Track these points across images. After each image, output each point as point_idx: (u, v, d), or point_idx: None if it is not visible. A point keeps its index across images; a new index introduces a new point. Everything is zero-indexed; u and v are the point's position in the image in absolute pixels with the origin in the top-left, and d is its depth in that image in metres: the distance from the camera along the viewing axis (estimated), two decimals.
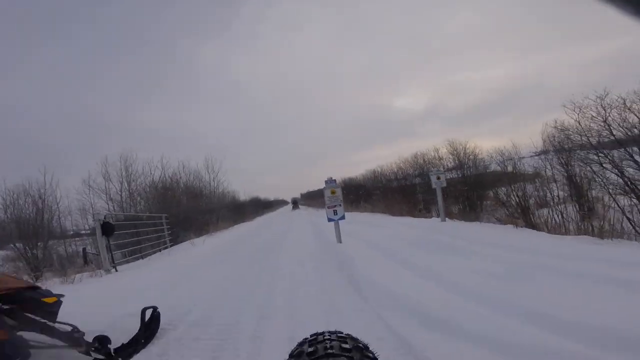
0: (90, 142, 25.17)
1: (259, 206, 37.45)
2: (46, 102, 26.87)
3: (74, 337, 2.40)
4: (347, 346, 0.53)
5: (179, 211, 13.01)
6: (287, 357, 0.56)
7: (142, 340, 2.72)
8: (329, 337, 0.57)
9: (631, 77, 7.05)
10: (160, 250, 9.84)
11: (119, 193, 13.02)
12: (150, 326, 2.85)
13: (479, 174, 10.42)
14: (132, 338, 2.70)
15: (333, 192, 6.78)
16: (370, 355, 0.54)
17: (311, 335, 0.59)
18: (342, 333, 0.59)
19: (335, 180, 6.98)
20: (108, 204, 12.68)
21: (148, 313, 2.84)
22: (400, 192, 14.03)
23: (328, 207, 6.77)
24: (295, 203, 39.06)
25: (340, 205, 6.77)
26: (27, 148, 19.84)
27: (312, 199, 41.48)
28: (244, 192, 29.45)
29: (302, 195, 55.12)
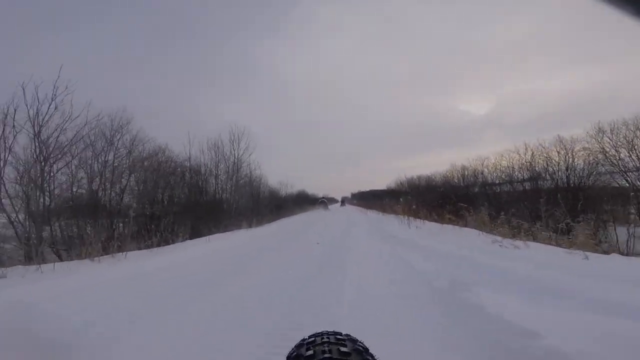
0: None
1: (306, 202, 37.54)
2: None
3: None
4: (345, 349, 0.52)
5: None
6: None
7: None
8: (327, 339, 0.55)
9: None
10: None
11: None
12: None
13: None
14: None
15: None
16: (370, 358, 0.53)
17: (309, 337, 0.58)
18: (341, 334, 0.58)
19: None
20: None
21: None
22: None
23: None
24: (342, 201, 55.34)
25: None
26: None
27: (366, 199, 40.19)
28: (290, 185, 28.96)
29: (352, 195, 59.94)
